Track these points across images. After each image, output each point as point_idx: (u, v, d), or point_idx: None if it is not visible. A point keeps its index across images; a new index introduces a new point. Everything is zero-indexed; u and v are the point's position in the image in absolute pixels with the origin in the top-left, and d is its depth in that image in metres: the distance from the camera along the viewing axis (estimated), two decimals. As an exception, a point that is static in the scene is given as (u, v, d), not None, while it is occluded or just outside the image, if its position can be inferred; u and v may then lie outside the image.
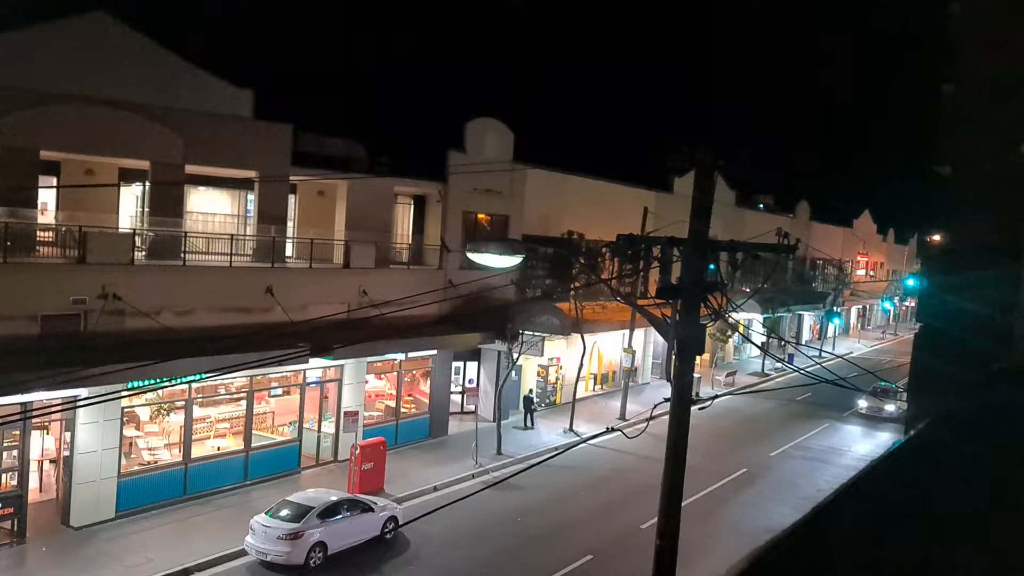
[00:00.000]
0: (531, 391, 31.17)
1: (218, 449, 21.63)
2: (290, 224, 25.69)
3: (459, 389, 30.15)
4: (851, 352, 52.09)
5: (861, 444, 32.20)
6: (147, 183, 22.20)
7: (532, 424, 29.77)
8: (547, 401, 32.93)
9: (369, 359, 24.97)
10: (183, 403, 20.66)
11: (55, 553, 17.15)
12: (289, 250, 25.12)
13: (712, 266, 10.31)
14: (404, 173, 27.55)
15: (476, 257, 13.92)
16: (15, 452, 17.48)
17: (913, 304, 67.65)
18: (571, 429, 29.46)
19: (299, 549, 17.00)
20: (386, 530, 19.01)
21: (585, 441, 22.96)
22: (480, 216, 30.13)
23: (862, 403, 36.39)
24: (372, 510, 18.83)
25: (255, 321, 21.62)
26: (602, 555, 19.06)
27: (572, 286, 28.93)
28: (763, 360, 45.75)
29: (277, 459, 22.80)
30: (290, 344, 19.56)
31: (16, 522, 17.39)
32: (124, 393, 17.75)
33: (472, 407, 28.59)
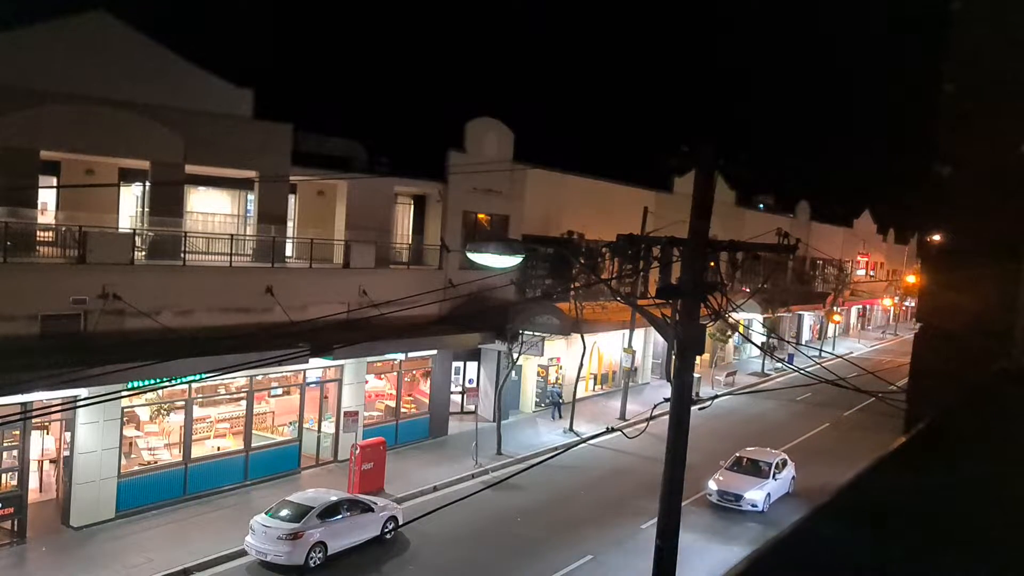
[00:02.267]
0: (559, 385, 32.52)
1: (218, 449, 21.63)
2: (290, 224, 25.70)
3: (459, 389, 30.15)
4: (851, 352, 52.10)
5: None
6: (147, 183, 22.21)
7: (561, 415, 30.85)
8: (547, 401, 32.95)
9: (369, 359, 24.96)
10: (183, 403, 20.65)
11: (55, 553, 17.15)
12: (289, 250, 25.13)
13: (712, 266, 10.30)
14: (404, 173, 27.55)
15: (476, 257, 13.92)
16: (15, 452, 17.48)
17: (913, 304, 67.64)
18: (571, 429, 29.47)
19: (299, 549, 17.00)
20: (386, 530, 19.01)
21: (585, 441, 22.96)
22: (480, 216, 30.13)
23: (713, 485, 22.87)
24: (372, 510, 18.83)
25: (255, 321, 21.61)
26: (602, 555, 19.06)
27: (572, 286, 28.93)
28: (763, 360, 45.75)
29: (277, 459, 22.80)
30: (290, 344, 19.55)
31: (16, 522, 17.39)
32: (124, 393, 17.75)
33: (472, 407, 28.60)
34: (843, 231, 65.57)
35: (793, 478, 24.65)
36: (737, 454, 24.49)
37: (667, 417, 9.88)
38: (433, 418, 27.81)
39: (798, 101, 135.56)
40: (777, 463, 23.84)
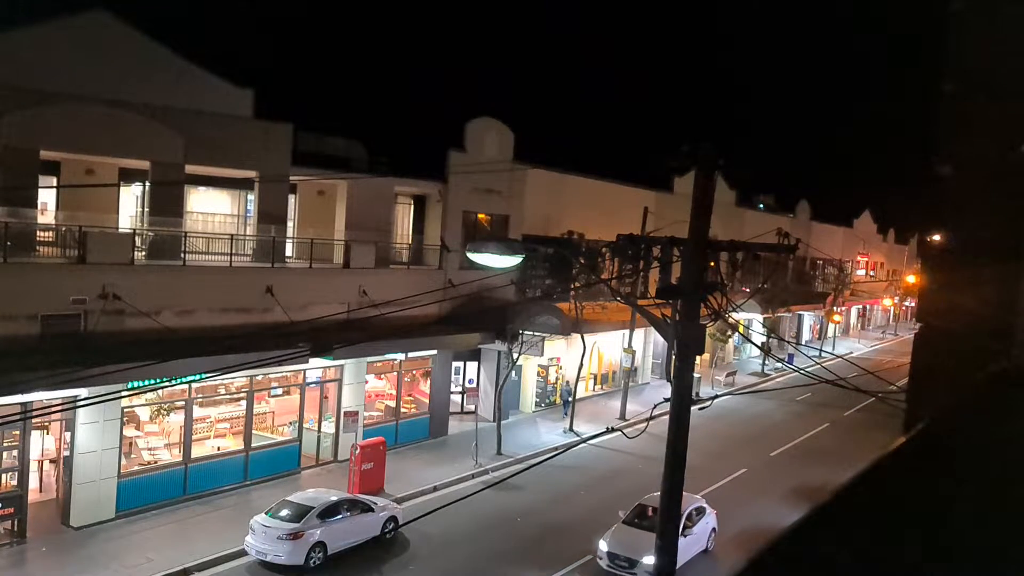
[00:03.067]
0: (567, 384, 32.43)
1: (218, 449, 21.63)
2: (290, 224, 25.70)
3: (459, 389, 30.16)
4: (851, 352, 52.09)
5: None
6: (147, 183, 22.21)
7: (566, 413, 30.72)
8: (547, 401, 32.98)
9: (369, 359, 24.96)
10: (183, 403, 20.66)
11: (55, 553, 17.15)
12: (289, 250, 25.12)
13: (712, 266, 10.30)
14: (404, 173, 27.55)
15: (476, 257, 13.92)
16: (15, 452, 17.48)
17: (913, 304, 67.64)
18: (571, 429, 29.48)
19: (299, 549, 17.00)
20: (386, 530, 19.01)
21: (585, 441, 22.94)
22: (480, 216, 30.13)
23: (603, 545, 18.01)
24: (372, 510, 18.84)
25: (255, 321, 21.61)
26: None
27: (572, 286, 28.93)
28: (763, 360, 45.74)
29: (277, 459, 22.80)
30: (290, 344, 19.55)
31: (16, 522, 17.40)
32: (124, 393, 17.75)
33: (472, 407, 28.61)
34: (843, 231, 65.57)
35: (713, 531, 19.57)
36: (640, 501, 19.20)
37: (667, 417, 9.88)
38: (433, 418, 27.81)
39: (798, 101, 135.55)
40: (690, 513, 18.38)
